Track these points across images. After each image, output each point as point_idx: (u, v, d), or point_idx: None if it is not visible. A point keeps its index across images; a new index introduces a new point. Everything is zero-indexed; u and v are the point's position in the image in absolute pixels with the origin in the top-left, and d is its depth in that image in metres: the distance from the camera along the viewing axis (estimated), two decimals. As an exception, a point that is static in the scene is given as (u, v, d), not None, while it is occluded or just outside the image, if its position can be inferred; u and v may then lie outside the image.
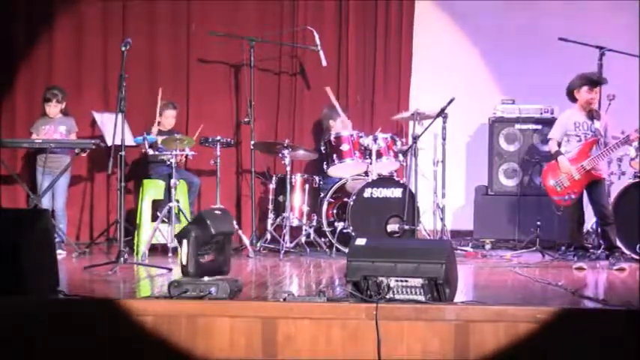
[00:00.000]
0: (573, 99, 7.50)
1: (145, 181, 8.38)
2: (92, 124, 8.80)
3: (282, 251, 7.91)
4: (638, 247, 7.78)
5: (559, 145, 7.51)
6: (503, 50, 9.35)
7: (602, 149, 7.38)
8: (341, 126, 8.66)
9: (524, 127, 8.95)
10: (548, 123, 8.87)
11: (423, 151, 8.53)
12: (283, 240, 8.01)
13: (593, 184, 7.42)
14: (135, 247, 8.06)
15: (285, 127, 9.34)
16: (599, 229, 7.85)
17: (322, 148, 8.46)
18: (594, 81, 7.43)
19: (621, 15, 9.06)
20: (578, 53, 8.70)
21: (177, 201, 7.89)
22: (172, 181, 7.81)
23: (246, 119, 8.71)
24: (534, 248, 8.20)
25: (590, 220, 7.94)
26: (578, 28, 8.88)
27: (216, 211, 5.54)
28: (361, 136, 8.37)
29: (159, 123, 8.49)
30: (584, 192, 7.47)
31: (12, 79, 9.14)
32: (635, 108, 8.65)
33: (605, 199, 7.47)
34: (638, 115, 8.22)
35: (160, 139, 8.18)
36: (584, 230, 7.85)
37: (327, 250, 8.22)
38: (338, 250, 8.05)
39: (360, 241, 5.35)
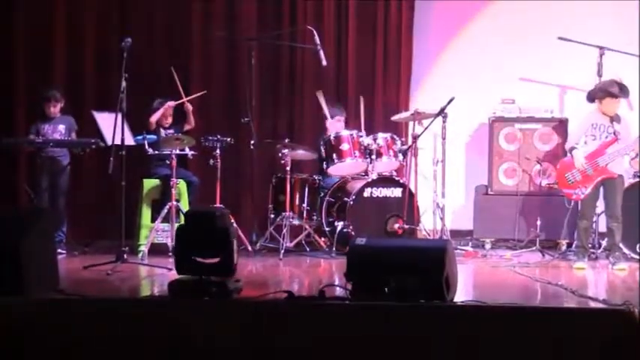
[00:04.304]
0: (592, 100, 7.62)
1: (145, 181, 8.37)
2: (92, 123, 8.78)
3: (282, 250, 7.91)
4: (638, 246, 7.81)
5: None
6: (503, 50, 9.33)
7: (619, 149, 7.47)
8: (339, 125, 8.65)
9: (524, 126, 8.93)
10: (548, 122, 8.89)
11: (423, 150, 8.53)
12: (283, 239, 8.01)
13: (609, 183, 7.51)
14: (135, 247, 8.05)
15: (284, 126, 9.34)
16: (598, 229, 7.90)
17: (322, 147, 8.46)
18: (617, 95, 7.52)
19: (621, 15, 9.06)
20: (579, 53, 8.72)
21: (177, 200, 7.90)
22: (172, 180, 7.82)
23: (245, 119, 8.70)
24: (534, 248, 8.21)
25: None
26: (579, 28, 8.90)
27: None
28: (361, 136, 8.37)
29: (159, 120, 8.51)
30: (600, 192, 7.57)
31: (11, 79, 9.15)
32: (635, 108, 8.66)
33: (618, 198, 7.52)
34: (639, 116, 8.24)
35: (163, 133, 8.23)
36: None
37: (326, 249, 8.22)
38: (338, 249, 8.03)
39: (360, 241, 5.37)
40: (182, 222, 7.58)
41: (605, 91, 7.56)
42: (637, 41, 8.72)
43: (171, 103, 8.46)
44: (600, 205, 7.82)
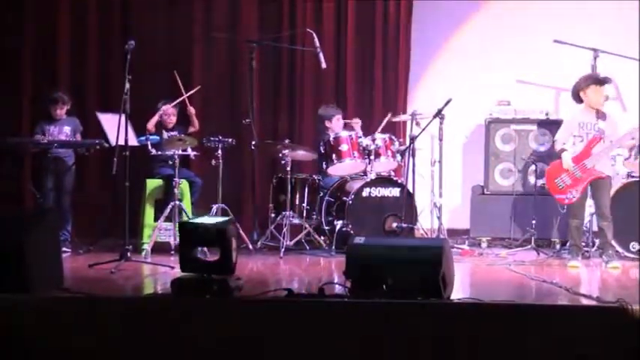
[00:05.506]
0: (579, 99, 7.58)
1: (149, 181, 8.43)
2: (96, 124, 8.86)
3: (283, 249, 7.96)
4: (631, 245, 7.88)
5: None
6: (499, 51, 9.41)
7: (604, 148, 7.46)
8: (339, 125, 8.74)
9: (520, 127, 8.98)
10: (543, 124, 8.97)
11: (421, 151, 8.61)
12: (283, 238, 8.07)
13: (596, 183, 7.49)
14: (138, 246, 8.12)
15: (285, 127, 9.43)
16: (592, 228, 7.97)
17: (321, 148, 8.54)
18: (600, 80, 7.52)
19: (617, 17, 9.15)
20: (574, 55, 8.80)
21: (180, 200, 7.99)
22: (175, 180, 7.91)
23: (247, 120, 8.78)
24: (529, 246, 8.26)
25: (585, 219, 8.00)
26: (575, 30, 8.98)
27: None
28: (360, 137, 8.46)
29: (162, 121, 8.60)
30: (589, 191, 7.57)
31: (17, 80, 9.23)
32: (628, 109, 8.73)
33: (606, 198, 7.51)
34: (639, 115, 8.28)
35: (166, 134, 8.32)
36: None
37: (326, 248, 8.30)
38: (337, 248, 8.10)
39: (359, 240, 5.42)
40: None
41: (590, 78, 7.53)
42: (635, 43, 8.79)
43: (165, 108, 8.54)
44: (593, 205, 7.88)
